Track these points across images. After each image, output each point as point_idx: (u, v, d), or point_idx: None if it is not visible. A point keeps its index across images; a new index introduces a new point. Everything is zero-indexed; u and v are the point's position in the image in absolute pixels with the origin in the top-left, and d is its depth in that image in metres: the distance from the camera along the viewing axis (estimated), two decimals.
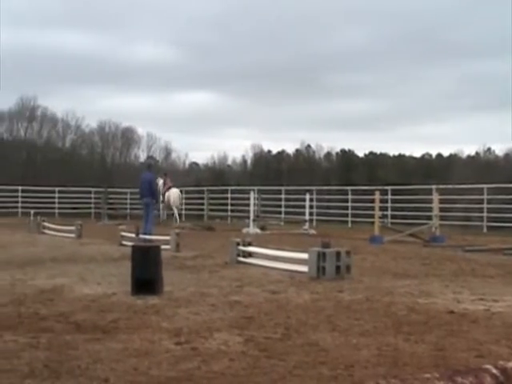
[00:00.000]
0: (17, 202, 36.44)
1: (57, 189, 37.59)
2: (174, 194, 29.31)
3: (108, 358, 5.52)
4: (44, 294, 8.83)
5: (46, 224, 22.77)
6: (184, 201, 34.17)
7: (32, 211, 29.19)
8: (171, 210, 29.69)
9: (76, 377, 4.99)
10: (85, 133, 62.91)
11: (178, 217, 29.43)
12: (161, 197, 28.87)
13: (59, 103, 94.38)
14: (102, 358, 5.50)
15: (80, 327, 6.75)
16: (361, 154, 71.69)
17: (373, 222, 20.45)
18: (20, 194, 36.73)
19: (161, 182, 29.51)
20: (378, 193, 20.33)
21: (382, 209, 22.00)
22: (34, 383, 4.84)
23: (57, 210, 36.47)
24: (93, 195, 37.62)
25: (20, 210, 35.94)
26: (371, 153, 71.09)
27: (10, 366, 5.27)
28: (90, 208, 37.69)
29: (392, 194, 27.33)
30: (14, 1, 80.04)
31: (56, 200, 37.30)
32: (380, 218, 20.24)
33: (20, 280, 10.27)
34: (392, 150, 78.59)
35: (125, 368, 5.22)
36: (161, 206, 29.42)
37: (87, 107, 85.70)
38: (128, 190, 37.35)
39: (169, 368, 5.24)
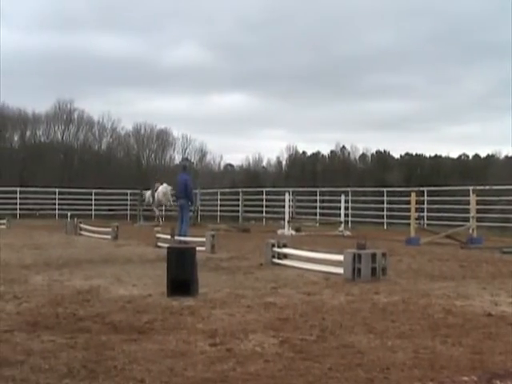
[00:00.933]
0: (54, 204, 36.94)
1: (93, 191, 38.01)
2: (161, 191, 30.62)
3: (144, 358, 5.56)
4: (81, 295, 8.92)
5: (83, 226, 23.03)
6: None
7: (69, 213, 29.63)
8: (161, 205, 31.01)
9: (112, 377, 5.03)
10: (120, 135, 63.47)
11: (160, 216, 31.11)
12: (151, 199, 30.74)
13: (95, 106, 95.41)
14: (137, 359, 5.53)
15: (116, 328, 6.81)
16: (396, 155, 71.21)
17: (409, 224, 20.30)
18: (57, 197, 37.22)
19: (148, 193, 31.31)
20: (413, 194, 20.18)
21: (418, 210, 21.83)
22: (71, 383, 4.89)
23: (93, 212, 36.88)
24: (129, 197, 37.96)
25: (57, 211, 36.43)
26: (407, 154, 70.55)
27: (48, 365, 5.33)
28: (125, 210, 38.03)
29: (428, 196, 27.09)
30: (49, 5, 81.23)
31: (92, 202, 37.72)
32: (416, 219, 20.09)
33: (57, 281, 10.39)
34: (428, 151, 78.12)
35: (160, 369, 5.24)
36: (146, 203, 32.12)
37: (123, 110, 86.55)
38: None
39: (204, 369, 5.25)
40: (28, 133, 60.15)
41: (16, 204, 36.82)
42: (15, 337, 6.38)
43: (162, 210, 32.82)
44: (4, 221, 26.97)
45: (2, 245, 17.25)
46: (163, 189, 31.02)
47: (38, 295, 8.93)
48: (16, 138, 60.18)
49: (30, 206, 37.54)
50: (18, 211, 36.52)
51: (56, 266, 12.55)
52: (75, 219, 23.95)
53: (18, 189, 37.85)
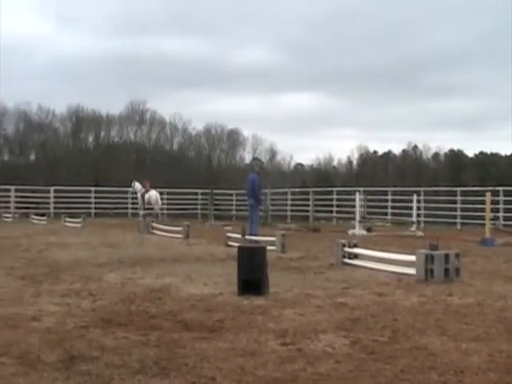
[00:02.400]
0: (127, 203, 37.64)
1: (165, 190, 38.53)
2: (153, 195, 31.30)
3: (214, 356, 5.59)
4: (153, 293, 9.04)
5: (155, 225, 23.36)
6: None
7: (141, 212, 30.14)
8: (151, 209, 31.45)
9: (184, 374, 5.07)
10: (192, 135, 64.26)
11: (159, 214, 31.58)
12: (139, 195, 31.47)
13: (167, 107, 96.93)
14: (208, 357, 5.56)
15: (187, 326, 6.87)
16: (470, 154, 69.78)
17: (483, 224, 19.85)
18: (130, 196, 37.91)
19: (137, 184, 31.87)
20: (489, 194, 19.72)
21: (493, 210, 21.32)
22: (144, 379, 4.96)
23: (165, 211, 37.39)
24: (199, 196, 38.34)
25: (130, 210, 37.11)
26: (481, 152, 69.06)
27: (122, 361, 5.42)
28: (196, 209, 38.43)
29: (504, 195, 26.43)
30: (123, 9, 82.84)
31: (165, 201, 38.25)
32: (491, 219, 19.63)
33: (130, 279, 10.56)
34: (504, 150, 76.23)
35: (231, 367, 5.26)
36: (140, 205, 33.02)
37: (194, 110, 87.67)
38: (233, 192, 37.88)
39: (274, 368, 5.24)
40: (102, 133, 61.57)
41: (91, 203, 37.70)
42: (90, 333, 6.52)
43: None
44: (79, 219, 27.62)
45: (78, 243, 17.68)
46: (157, 194, 32.14)
47: (111, 293, 9.10)
48: (91, 139, 61.71)
49: (104, 205, 38.36)
50: (93, 210, 37.38)
51: (129, 264, 12.76)
52: (147, 218, 24.31)
53: (93, 188, 38.76)
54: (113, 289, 9.51)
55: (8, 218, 32.28)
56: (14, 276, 10.84)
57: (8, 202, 36.03)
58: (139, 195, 32.59)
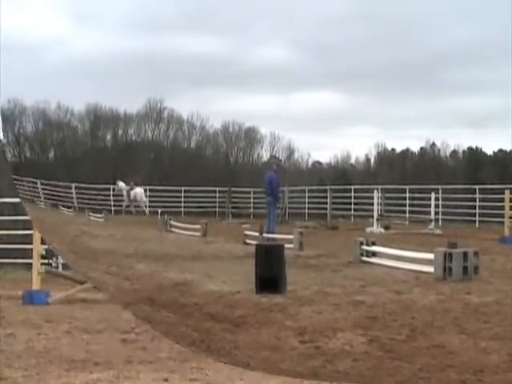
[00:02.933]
0: (145, 201, 37.78)
1: (183, 188, 38.56)
2: (139, 192, 31.50)
3: (244, 346, 5.66)
4: (178, 286, 9.14)
5: (173, 222, 23.38)
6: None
7: (159, 210, 30.26)
8: (137, 206, 31.71)
9: (224, 356, 5.19)
10: (209, 133, 64.23)
11: (145, 210, 31.27)
12: (124, 192, 31.81)
13: (184, 105, 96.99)
14: (239, 347, 5.66)
15: (214, 318, 6.98)
16: (489, 152, 69.25)
17: (502, 222, 19.73)
18: (148, 194, 38.02)
19: (121, 183, 32.13)
20: (508, 192, 19.59)
21: None
22: (197, 351, 5.08)
23: (183, 209, 37.41)
24: (217, 194, 38.32)
25: (148, 208, 37.24)
26: (501, 150, 68.52)
27: (178, 331, 5.59)
28: (214, 207, 38.42)
29: None
30: (139, 7, 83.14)
31: (182, 199, 38.29)
32: (511, 217, 19.50)
33: (156, 271, 10.70)
34: None
35: (259, 357, 5.32)
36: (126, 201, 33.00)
37: (211, 108, 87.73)
38: (251, 190, 37.85)
39: (296, 364, 5.28)
40: (120, 132, 61.71)
41: (110, 201, 37.81)
42: (143, 307, 6.73)
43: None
44: (102, 215, 27.86)
45: (105, 235, 17.88)
46: (141, 191, 32.37)
47: (144, 280, 9.31)
48: (109, 138, 61.89)
49: (123, 203, 38.48)
50: (112, 207, 37.50)
51: (153, 258, 12.85)
52: (165, 216, 24.36)
53: (112, 186, 38.87)
54: (144, 277, 9.76)
55: (41, 204, 32.95)
56: (67, 250, 11.18)
57: (38, 193, 36.56)
58: (125, 193, 33.00)
